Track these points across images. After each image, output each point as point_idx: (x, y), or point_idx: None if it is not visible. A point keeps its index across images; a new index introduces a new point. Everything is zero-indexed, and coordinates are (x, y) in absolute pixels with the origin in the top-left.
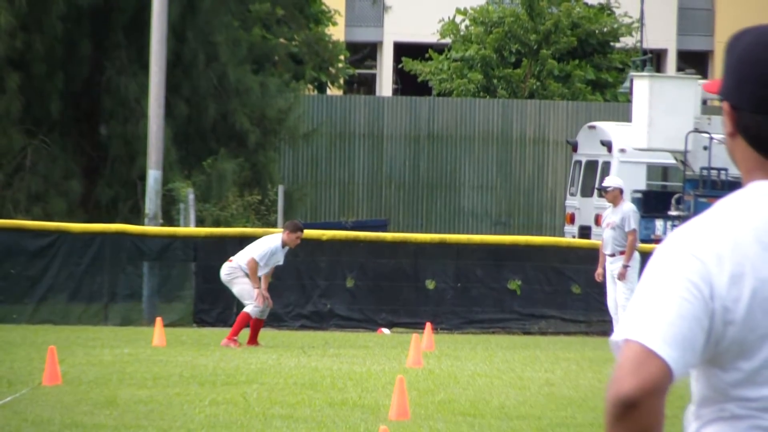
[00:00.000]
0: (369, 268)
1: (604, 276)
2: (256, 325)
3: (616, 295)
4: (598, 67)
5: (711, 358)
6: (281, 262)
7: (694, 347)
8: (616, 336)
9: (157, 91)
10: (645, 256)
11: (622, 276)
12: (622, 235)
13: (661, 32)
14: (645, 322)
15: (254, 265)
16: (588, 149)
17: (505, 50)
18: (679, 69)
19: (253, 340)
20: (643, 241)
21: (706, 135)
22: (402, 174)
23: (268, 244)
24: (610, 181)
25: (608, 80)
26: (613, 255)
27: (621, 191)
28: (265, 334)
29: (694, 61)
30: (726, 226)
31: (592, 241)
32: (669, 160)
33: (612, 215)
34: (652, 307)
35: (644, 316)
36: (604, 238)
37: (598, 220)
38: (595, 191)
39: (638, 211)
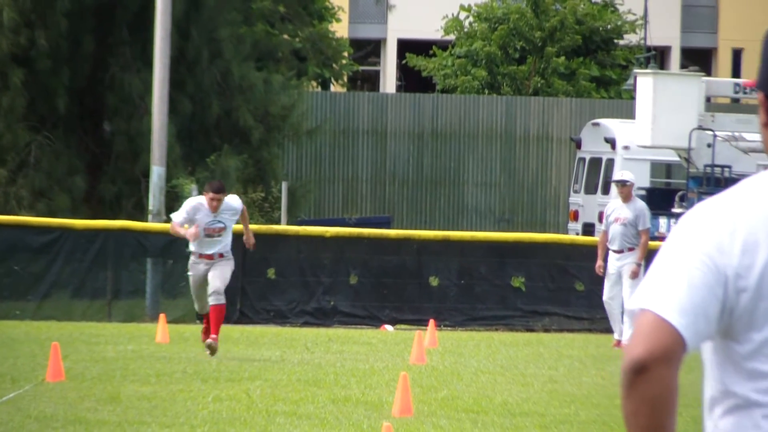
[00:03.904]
0: (372, 264)
1: (604, 269)
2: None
3: (622, 293)
4: (601, 64)
5: (726, 329)
6: (216, 224)
7: (707, 315)
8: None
9: (161, 87)
10: (649, 254)
11: (635, 274)
12: (634, 233)
13: (665, 29)
14: (658, 292)
15: (172, 224)
16: (592, 146)
17: (509, 47)
18: (683, 66)
19: (205, 333)
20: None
21: (710, 132)
22: (405, 171)
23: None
24: (627, 176)
25: (612, 77)
26: (621, 251)
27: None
28: (268, 330)
29: (697, 59)
30: (743, 199)
31: (596, 239)
32: (673, 157)
33: (624, 211)
34: (666, 277)
35: (658, 286)
36: (612, 234)
37: (601, 217)
38: (599, 187)
39: None
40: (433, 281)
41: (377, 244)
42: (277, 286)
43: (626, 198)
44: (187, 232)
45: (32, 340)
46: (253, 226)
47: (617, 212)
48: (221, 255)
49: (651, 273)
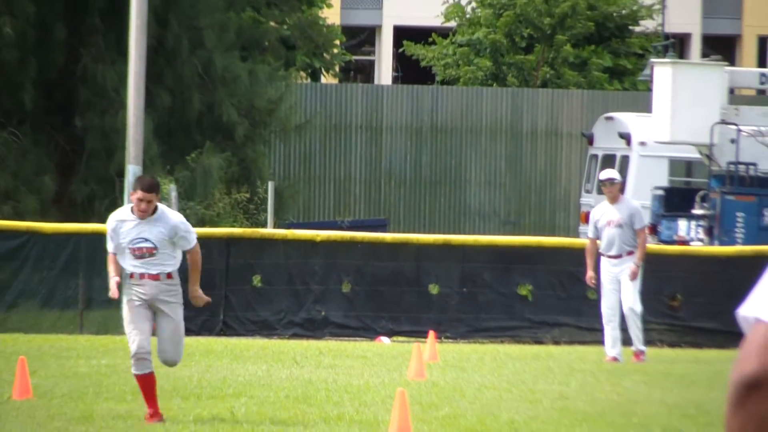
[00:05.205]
0: (367, 271)
1: (598, 279)
2: (144, 384)
3: (621, 300)
4: (615, 52)
5: None
6: (141, 243)
7: None
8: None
9: (137, 80)
10: (655, 258)
11: (635, 275)
12: (631, 234)
13: (685, 15)
14: None
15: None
16: (605, 142)
17: (516, 35)
18: (704, 55)
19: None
20: (666, 242)
21: (734, 127)
22: (403, 169)
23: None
24: (615, 174)
25: (627, 67)
26: (619, 256)
27: None
28: (254, 343)
29: (720, 47)
30: None
31: None
32: (693, 154)
33: (615, 212)
34: None
35: None
36: (608, 238)
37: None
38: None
39: (660, 209)
40: (433, 289)
41: (372, 250)
42: (263, 294)
43: (614, 198)
44: (111, 286)
45: None
46: (237, 230)
47: (608, 215)
48: (170, 275)
49: (767, 277)
